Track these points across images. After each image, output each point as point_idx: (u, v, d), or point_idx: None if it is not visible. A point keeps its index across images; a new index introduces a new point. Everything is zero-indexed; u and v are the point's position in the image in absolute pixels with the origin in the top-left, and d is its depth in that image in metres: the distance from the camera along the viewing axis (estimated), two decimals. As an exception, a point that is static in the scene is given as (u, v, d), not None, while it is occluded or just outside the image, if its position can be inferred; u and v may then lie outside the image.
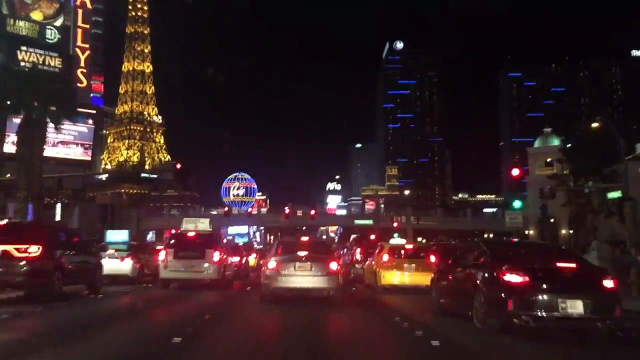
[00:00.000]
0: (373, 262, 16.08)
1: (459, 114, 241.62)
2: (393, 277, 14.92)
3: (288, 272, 11.09)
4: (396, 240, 20.86)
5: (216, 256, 14.95)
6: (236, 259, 20.15)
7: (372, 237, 28.71)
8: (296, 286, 11.12)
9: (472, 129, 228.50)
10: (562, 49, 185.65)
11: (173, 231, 20.07)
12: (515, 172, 18.86)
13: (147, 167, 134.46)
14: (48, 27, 45.93)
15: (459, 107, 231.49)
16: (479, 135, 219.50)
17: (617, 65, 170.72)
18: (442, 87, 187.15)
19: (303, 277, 11.08)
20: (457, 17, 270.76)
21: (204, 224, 17.10)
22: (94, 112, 46.08)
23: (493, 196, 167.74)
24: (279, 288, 11.16)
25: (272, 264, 11.36)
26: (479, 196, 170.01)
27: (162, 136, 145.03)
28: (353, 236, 33.38)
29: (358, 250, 22.33)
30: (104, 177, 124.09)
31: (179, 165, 22.98)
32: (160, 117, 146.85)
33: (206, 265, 14.82)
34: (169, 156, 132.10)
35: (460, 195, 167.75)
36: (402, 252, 15.83)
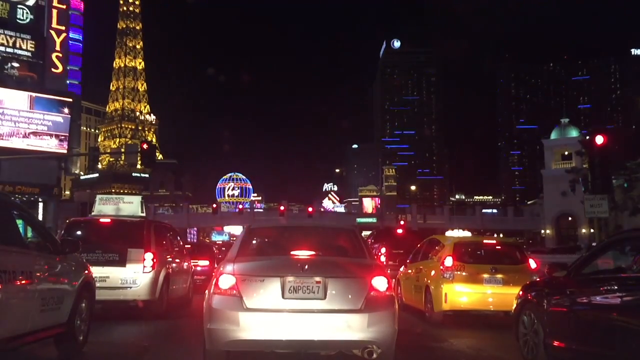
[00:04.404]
0: (420, 270, 9.83)
1: (457, 113, 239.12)
2: (463, 297, 8.54)
3: (265, 302, 4.71)
4: (459, 233, 12.04)
5: (148, 259, 8.60)
6: (203, 263, 14.75)
7: (400, 231, 19.06)
8: (288, 339, 4.67)
9: (470, 129, 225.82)
10: (561, 48, 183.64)
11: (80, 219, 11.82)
12: (600, 139, 13.30)
13: (138, 166, 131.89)
14: (19, 6, 41.64)
15: (457, 107, 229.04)
16: (477, 135, 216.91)
17: (616, 64, 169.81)
18: (439, 86, 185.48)
19: (304, 316, 4.70)
20: (456, 15, 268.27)
21: (130, 206, 10.51)
22: (70, 100, 41.76)
23: (490, 197, 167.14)
24: (243, 342, 4.69)
25: (225, 280, 4.81)
26: (477, 197, 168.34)
27: (154, 135, 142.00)
28: (367, 232, 23.13)
29: (383, 250, 15.18)
30: (94, 176, 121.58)
31: (145, 146, 18.85)
32: (152, 115, 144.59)
33: (129, 275, 8.48)
34: (161, 155, 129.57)
35: (457, 196, 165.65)
36: (478, 252, 9.29)
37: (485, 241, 10.21)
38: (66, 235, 8.83)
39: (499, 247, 9.81)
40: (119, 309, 9.04)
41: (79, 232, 9.29)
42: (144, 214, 10.61)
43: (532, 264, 8.90)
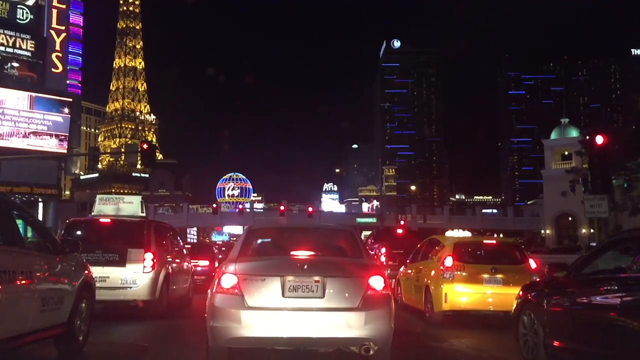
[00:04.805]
0: (420, 270, 9.76)
1: (457, 113, 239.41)
2: (463, 297, 8.50)
3: (266, 301, 4.82)
4: (459, 233, 12.18)
5: (148, 259, 8.57)
6: (203, 263, 14.75)
7: (400, 231, 19.05)
8: (288, 336, 4.78)
9: (470, 129, 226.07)
10: (561, 49, 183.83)
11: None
12: (600, 139, 13.15)
13: (138, 166, 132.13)
14: (19, 6, 41.63)
15: (457, 107, 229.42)
16: (477, 135, 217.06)
17: (616, 64, 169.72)
18: (440, 86, 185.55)
19: (303, 314, 4.81)
20: (456, 15, 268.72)
21: (130, 206, 10.41)
22: (70, 100, 41.76)
23: (490, 197, 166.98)
24: (244, 339, 4.82)
25: (227, 279, 4.92)
26: (477, 197, 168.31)
27: (154, 135, 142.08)
28: (367, 232, 23.08)
29: (383, 250, 15.23)
30: (94, 175, 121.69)
31: (145, 146, 18.79)
32: (152, 115, 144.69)
33: (129, 275, 8.45)
34: (161, 155, 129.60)
35: (457, 196, 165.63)
36: (478, 252, 9.25)
37: (485, 241, 10.15)
38: (66, 235, 8.78)
39: (499, 247, 9.76)
40: (119, 309, 9.02)
41: (79, 232, 9.26)
42: (144, 214, 10.52)
43: (532, 264, 8.84)
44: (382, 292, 4.98)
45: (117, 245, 8.71)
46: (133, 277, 8.48)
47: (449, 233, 12.65)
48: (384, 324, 4.90)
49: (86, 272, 6.12)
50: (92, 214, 10.34)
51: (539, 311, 5.36)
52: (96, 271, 7.25)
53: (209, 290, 5.17)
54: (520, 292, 6.02)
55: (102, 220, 9.54)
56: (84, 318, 5.89)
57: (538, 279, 7.05)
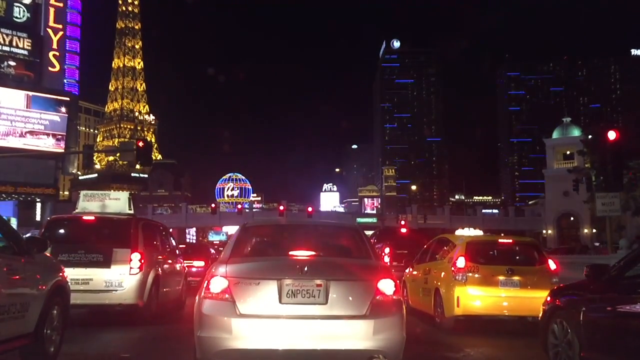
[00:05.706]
0: (429, 271, 9.14)
1: (457, 113, 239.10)
2: (477, 301, 7.86)
3: (261, 307, 4.33)
4: (470, 232, 11.31)
5: (135, 260, 7.93)
6: (198, 264, 14.12)
7: (404, 230, 18.29)
8: (286, 348, 4.28)
9: (470, 129, 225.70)
10: (561, 49, 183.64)
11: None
12: (612, 135, 12.63)
13: (137, 166, 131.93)
14: (16, 4, 41.30)
15: (457, 107, 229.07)
16: (477, 135, 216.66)
17: (616, 64, 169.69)
18: (440, 86, 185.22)
19: (303, 323, 4.32)
20: (456, 15, 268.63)
21: (117, 202, 9.56)
22: (67, 99, 41.37)
23: (490, 197, 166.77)
24: (236, 352, 4.30)
25: (217, 283, 4.43)
26: (476, 197, 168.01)
27: (153, 135, 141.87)
28: (368, 232, 22.38)
29: (387, 250, 14.49)
30: (93, 176, 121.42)
31: (141, 143, 18.29)
32: (152, 115, 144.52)
33: (114, 277, 7.81)
34: (160, 155, 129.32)
35: (457, 196, 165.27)
36: (492, 252, 8.51)
37: (500, 240, 9.38)
38: (47, 234, 8.17)
39: (515, 247, 9.04)
40: (104, 314, 8.43)
41: (61, 231, 8.71)
42: (132, 211, 9.74)
43: (552, 265, 8.20)
44: (392, 298, 4.49)
45: (102, 244, 8.13)
46: (118, 279, 7.86)
47: (460, 231, 11.96)
48: (395, 333, 4.40)
49: (59, 274, 5.50)
50: (76, 211, 9.67)
51: (573, 320, 4.74)
52: (79, 273, 6.73)
53: (197, 296, 4.65)
54: (549, 298, 5.42)
55: (85, 218, 8.88)
56: (56, 326, 5.26)
57: (569, 283, 6.38)
